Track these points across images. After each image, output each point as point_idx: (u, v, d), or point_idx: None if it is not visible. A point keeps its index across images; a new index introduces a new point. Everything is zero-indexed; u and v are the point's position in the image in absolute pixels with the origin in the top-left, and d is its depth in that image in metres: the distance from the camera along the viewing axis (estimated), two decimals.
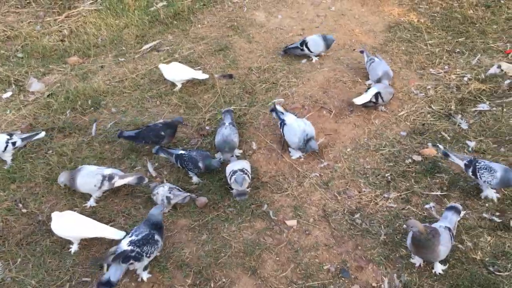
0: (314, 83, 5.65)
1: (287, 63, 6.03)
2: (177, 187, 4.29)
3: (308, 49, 5.81)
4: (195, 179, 4.60)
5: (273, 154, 4.83)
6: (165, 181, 4.55)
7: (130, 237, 3.71)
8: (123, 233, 3.92)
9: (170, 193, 4.18)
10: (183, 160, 4.57)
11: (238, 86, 5.74)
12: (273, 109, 4.94)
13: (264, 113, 5.30)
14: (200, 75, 5.69)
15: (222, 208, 4.31)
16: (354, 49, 6.11)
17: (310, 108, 5.30)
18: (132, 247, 3.62)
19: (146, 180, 4.43)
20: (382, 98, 5.01)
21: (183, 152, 4.62)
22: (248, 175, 4.26)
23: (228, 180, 4.29)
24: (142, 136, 4.79)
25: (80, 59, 6.54)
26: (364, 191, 4.32)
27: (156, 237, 3.73)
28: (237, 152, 4.80)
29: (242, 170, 4.24)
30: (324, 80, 5.65)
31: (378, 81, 5.20)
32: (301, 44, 5.84)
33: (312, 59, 5.93)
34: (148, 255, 3.66)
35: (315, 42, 5.81)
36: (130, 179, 4.37)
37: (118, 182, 4.34)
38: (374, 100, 5.01)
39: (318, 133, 4.97)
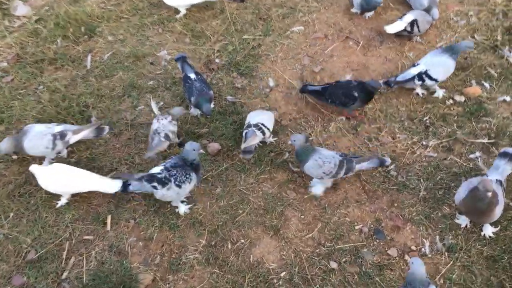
0: (338, 8, 4.94)
1: None
2: (171, 132, 3.77)
3: None
4: (192, 110, 4.09)
5: (293, 93, 4.26)
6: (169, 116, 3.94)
7: (162, 165, 3.39)
8: (119, 183, 3.43)
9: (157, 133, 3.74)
10: (185, 84, 4.06)
11: (251, 11, 5.04)
12: None
13: (281, 44, 4.65)
14: None
15: (237, 156, 3.81)
16: None
17: (334, 38, 4.65)
18: (161, 171, 3.31)
19: (107, 129, 3.86)
20: (418, 27, 4.35)
21: (192, 76, 4.06)
22: (264, 131, 3.70)
23: None
24: (330, 93, 3.90)
25: None
26: (399, 138, 3.80)
27: (191, 174, 3.36)
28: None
29: (256, 125, 3.68)
30: (349, 4, 4.93)
31: (426, 11, 4.48)
32: None
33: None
34: (177, 182, 3.29)
35: None
36: (86, 132, 3.78)
37: (73, 139, 3.74)
38: (409, 29, 4.35)
39: (344, 68, 4.37)
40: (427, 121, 3.86)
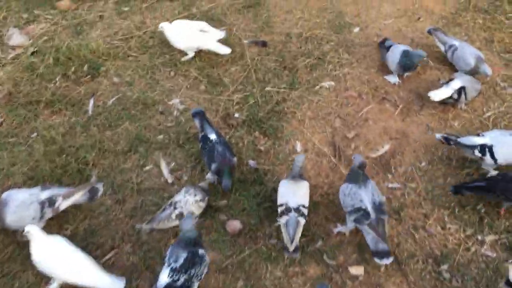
0: (371, 62, 4.46)
1: (335, 31, 4.79)
2: (189, 213, 3.23)
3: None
4: (209, 175, 3.55)
5: (323, 161, 3.75)
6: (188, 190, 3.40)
7: (168, 266, 2.80)
8: (122, 283, 2.90)
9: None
10: (204, 146, 3.52)
11: (274, 59, 4.55)
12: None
13: (309, 100, 4.15)
14: (220, 47, 4.43)
15: (261, 238, 3.28)
16: (418, 18, 4.88)
17: (369, 98, 4.16)
18: (176, 276, 2.75)
19: (101, 190, 3.35)
20: (465, 94, 3.88)
21: (213, 137, 3.54)
22: (305, 215, 3.15)
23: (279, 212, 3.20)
24: (501, 187, 3.20)
25: (72, 3, 5.23)
26: (450, 228, 3.30)
27: (200, 251, 2.86)
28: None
29: (298, 210, 3.12)
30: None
31: (473, 71, 4.02)
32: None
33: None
34: (199, 277, 2.82)
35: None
36: (78, 196, 3.24)
37: (63, 205, 3.20)
38: (455, 96, 3.88)
39: (381, 135, 3.88)
40: (481, 210, 3.36)
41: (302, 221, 3.09)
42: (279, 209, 3.16)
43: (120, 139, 3.93)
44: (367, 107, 4.07)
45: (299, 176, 3.28)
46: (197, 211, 3.26)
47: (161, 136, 3.95)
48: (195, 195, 3.28)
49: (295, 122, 4.01)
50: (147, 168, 3.74)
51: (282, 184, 3.31)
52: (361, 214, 3.01)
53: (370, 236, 2.99)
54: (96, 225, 3.35)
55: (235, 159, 3.51)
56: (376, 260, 2.98)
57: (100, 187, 3.35)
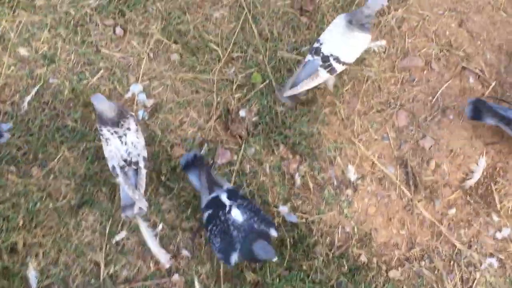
0: None
1: None
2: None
3: None
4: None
5: (392, 196, 2.46)
6: None
7: None
8: None
9: None
10: (214, 220, 2.08)
11: None
12: None
13: (353, 78, 2.64)
14: None
15: None
16: None
17: (440, 67, 2.69)
18: None
19: None
20: None
21: (224, 199, 2.10)
22: (334, 70, 2.37)
23: None
24: None
25: None
26: None
27: None
28: None
29: (327, 59, 2.31)
30: None
31: None
32: None
33: None
34: None
35: None
36: None
37: None
38: None
39: (471, 140, 2.57)
40: None
41: (324, 75, 2.31)
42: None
43: (61, 183, 2.37)
44: (442, 86, 2.64)
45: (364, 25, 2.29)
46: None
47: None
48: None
49: (337, 123, 2.57)
50: (118, 238, 2.30)
51: (337, 22, 2.34)
52: None
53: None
54: None
55: (273, 231, 2.10)
56: None
57: None
